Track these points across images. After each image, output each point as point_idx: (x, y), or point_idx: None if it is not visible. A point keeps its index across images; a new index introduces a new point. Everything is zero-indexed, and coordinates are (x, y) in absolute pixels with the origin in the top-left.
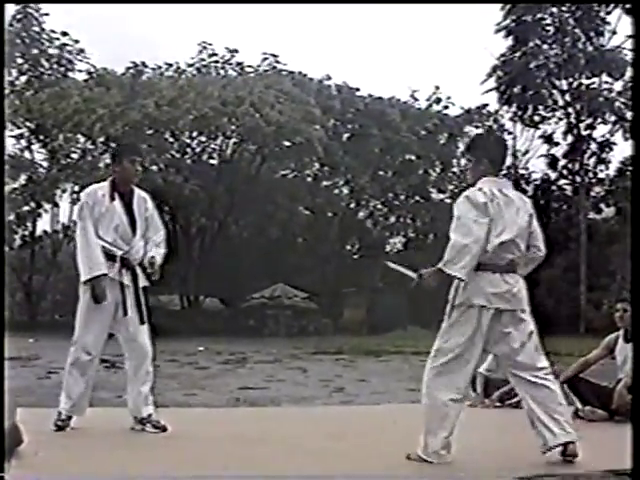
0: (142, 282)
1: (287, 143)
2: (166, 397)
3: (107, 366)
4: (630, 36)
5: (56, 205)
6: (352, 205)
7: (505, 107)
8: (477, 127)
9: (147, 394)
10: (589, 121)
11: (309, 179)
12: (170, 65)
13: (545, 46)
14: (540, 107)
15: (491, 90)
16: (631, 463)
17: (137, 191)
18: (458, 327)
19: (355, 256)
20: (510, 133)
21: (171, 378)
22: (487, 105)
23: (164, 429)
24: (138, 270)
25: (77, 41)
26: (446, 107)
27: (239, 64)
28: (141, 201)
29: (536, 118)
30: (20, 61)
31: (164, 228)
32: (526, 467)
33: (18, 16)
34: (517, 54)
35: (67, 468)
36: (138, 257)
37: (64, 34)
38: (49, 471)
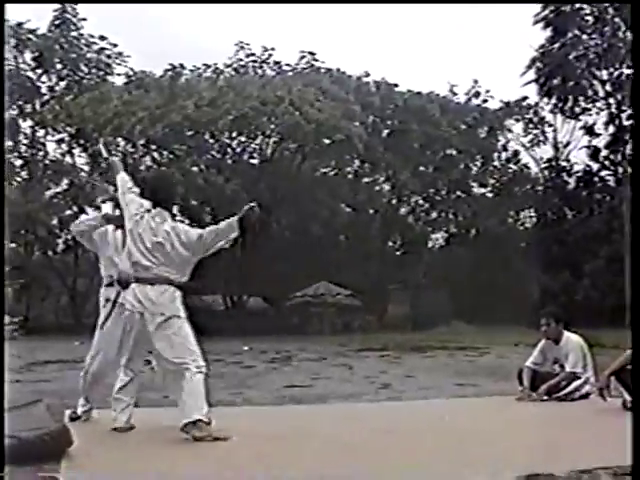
0: None
1: (327, 141)
2: (213, 396)
3: (152, 367)
4: (630, 34)
5: (98, 209)
6: (393, 201)
7: (545, 99)
8: (517, 120)
9: None
10: (630, 111)
11: (350, 176)
12: (208, 66)
13: (585, 36)
14: (580, 98)
15: (531, 82)
16: (631, 459)
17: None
18: None
19: (397, 252)
20: (551, 125)
21: (217, 377)
22: (527, 98)
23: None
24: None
25: (115, 45)
26: (485, 101)
27: (277, 63)
28: None
29: (577, 109)
30: (59, 66)
31: None
32: (570, 461)
33: (56, 22)
34: (556, 45)
35: (118, 468)
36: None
37: (102, 38)
38: (100, 471)
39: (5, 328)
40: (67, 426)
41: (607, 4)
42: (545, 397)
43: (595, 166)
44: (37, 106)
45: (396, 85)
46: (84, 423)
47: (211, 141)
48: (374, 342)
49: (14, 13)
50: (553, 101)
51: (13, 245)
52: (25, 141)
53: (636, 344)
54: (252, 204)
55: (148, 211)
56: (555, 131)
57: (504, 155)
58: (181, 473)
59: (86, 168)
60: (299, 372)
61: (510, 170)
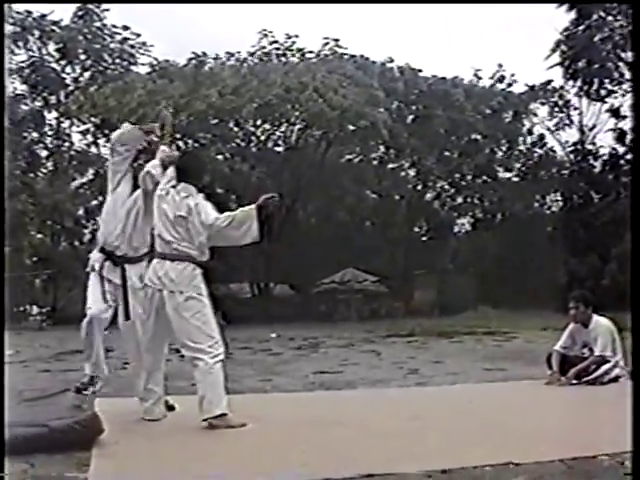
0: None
1: (352, 127)
2: (242, 384)
3: (181, 355)
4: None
5: None
6: (419, 187)
7: (570, 82)
8: (542, 104)
9: None
10: None
11: (375, 162)
12: (232, 54)
13: (610, 18)
14: (606, 80)
15: (555, 65)
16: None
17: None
18: None
19: (423, 238)
20: (576, 108)
21: (245, 365)
22: (552, 81)
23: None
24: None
25: (138, 35)
26: (510, 85)
27: (300, 50)
28: None
29: (602, 92)
30: (83, 57)
31: None
32: (597, 445)
33: (79, 13)
34: (581, 27)
35: (148, 456)
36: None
37: (125, 28)
38: (130, 459)
39: (34, 319)
40: (97, 414)
41: None
42: (574, 381)
43: (621, 149)
44: (62, 97)
45: (420, 70)
46: (115, 412)
47: (235, 129)
48: (401, 328)
49: (38, 5)
50: (578, 84)
51: (40, 236)
52: (50, 132)
53: (636, 343)
54: (271, 194)
55: (174, 187)
56: (581, 114)
57: (529, 139)
58: (211, 460)
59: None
60: (327, 359)
61: (536, 154)
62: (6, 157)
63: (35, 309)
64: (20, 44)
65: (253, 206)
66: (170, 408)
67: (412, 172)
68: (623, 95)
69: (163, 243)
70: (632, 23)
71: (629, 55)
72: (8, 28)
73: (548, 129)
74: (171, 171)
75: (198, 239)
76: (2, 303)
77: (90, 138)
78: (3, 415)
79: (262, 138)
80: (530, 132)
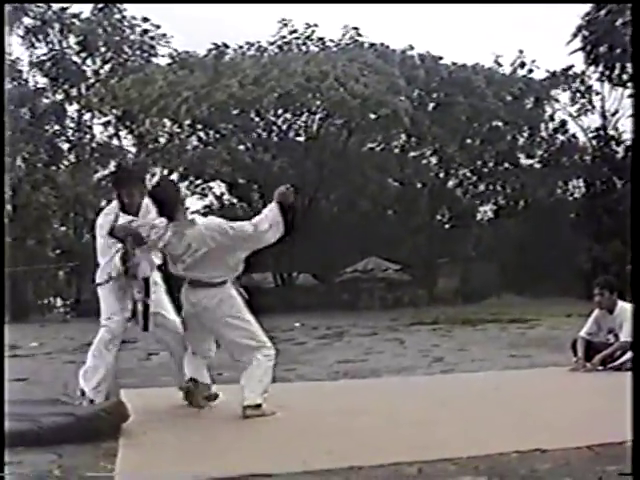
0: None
1: (373, 115)
2: None
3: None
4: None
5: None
6: (441, 175)
7: (592, 67)
8: (564, 90)
9: None
10: None
11: (397, 150)
12: (252, 44)
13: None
14: (628, 65)
15: (577, 51)
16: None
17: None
18: None
19: (446, 226)
20: (598, 94)
21: None
22: (573, 66)
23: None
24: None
25: (158, 26)
26: (531, 71)
27: (320, 39)
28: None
29: (624, 77)
30: (103, 49)
31: None
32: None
33: (99, 5)
34: (602, 12)
35: (175, 445)
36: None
37: (145, 20)
38: (158, 449)
39: (57, 311)
40: (123, 401)
41: None
42: (600, 367)
43: None
44: (83, 90)
45: (441, 58)
46: (142, 402)
47: (257, 119)
48: (425, 316)
49: None
50: (600, 69)
51: (63, 228)
52: (72, 125)
53: (636, 341)
54: (285, 186)
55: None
56: (603, 99)
57: (551, 125)
58: (238, 449)
59: (133, 150)
60: (351, 347)
61: (558, 140)
62: (26, 150)
63: (59, 301)
64: (40, 37)
65: (274, 203)
66: (213, 397)
67: (434, 160)
68: None
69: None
70: (632, 23)
71: None
72: (29, 22)
73: (570, 115)
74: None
75: (233, 260)
76: (2, 302)
77: (112, 130)
78: (3, 416)
79: (283, 128)
80: (552, 118)
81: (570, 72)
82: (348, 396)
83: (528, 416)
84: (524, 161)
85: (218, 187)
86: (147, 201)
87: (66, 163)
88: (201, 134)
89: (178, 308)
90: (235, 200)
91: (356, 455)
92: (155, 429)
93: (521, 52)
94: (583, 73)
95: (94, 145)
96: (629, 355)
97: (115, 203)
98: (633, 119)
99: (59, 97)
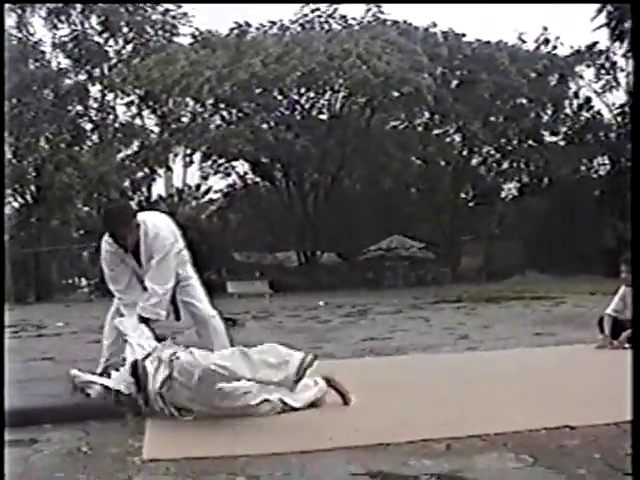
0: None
1: (396, 93)
2: None
3: (230, 324)
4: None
5: (169, 169)
6: (464, 152)
7: (617, 43)
8: (588, 66)
9: None
10: None
11: (420, 128)
12: (274, 23)
13: None
14: None
15: (601, 27)
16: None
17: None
18: None
19: (470, 204)
20: (623, 70)
21: (295, 332)
22: (598, 43)
23: None
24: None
25: (180, 5)
26: (555, 48)
27: (343, 17)
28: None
29: None
30: (125, 30)
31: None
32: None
33: None
34: None
35: (203, 424)
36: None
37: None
38: (186, 427)
39: (82, 291)
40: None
41: None
42: (627, 345)
43: None
44: (105, 70)
45: (464, 35)
46: None
47: (279, 98)
48: (449, 294)
49: None
50: (625, 45)
51: (86, 209)
52: (95, 105)
53: (636, 338)
54: None
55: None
56: (628, 76)
57: (575, 102)
58: (265, 427)
59: (156, 130)
60: (376, 325)
61: (582, 117)
62: (49, 130)
63: (83, 281)
64: (63, 18)
65: None
66: None
67: (457, 137)
68: None
69: None
70: (632, 23)
71: None
72: (51, 3)
73: (594, 92)
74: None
75: None
76: (2, 300)
77: (134, 110)
78: (3, 416)
79: (306, 106)
80: (576, 95)
81: (595, 48)
82: (374, 373)
83: (556, 393)
84: (548, 138)
85: (241, 166)
86: (148, 239)
87: (89, 143)
88: (224, 113)
89: None
90: (258, 179)
91: (383, 432)
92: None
93: (545, 29)
94: (608, 49)
95: (117, 125)
96: None
97: (108, 236)
98: (632, 119)
99: (82, 78)
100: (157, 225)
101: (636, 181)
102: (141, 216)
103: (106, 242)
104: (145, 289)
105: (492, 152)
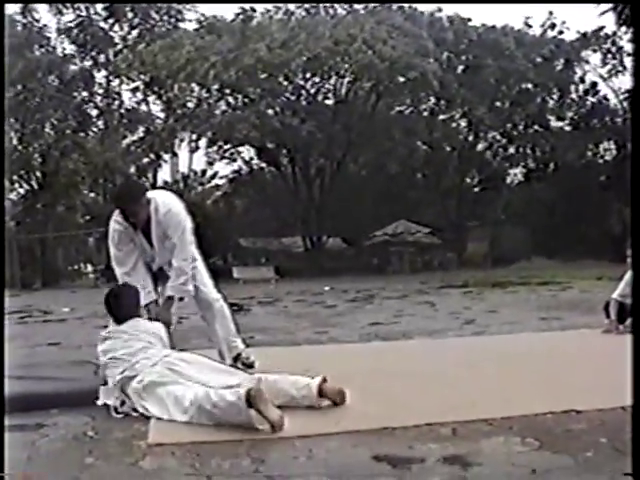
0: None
1: (401, 78)
2: (298, 335)
3: (235, 309)
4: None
5: (175, 155)
6: (470, 138)
7: (623, 28)
8: (595, 51)
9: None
10: None
11: (425, 114)
12: (279, 8)
13: None
14: None
15: (607, 11)
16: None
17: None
18: None
19: (475, 189)
20: (630, 54)
21: (301, 317)
22: (604, 27)
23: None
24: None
25: None
26: (561, 32)
27: (348, 2)
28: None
29: None
30: (130, 15)
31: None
32: None
33: None
34: None
35: None
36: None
37: None
38: None
39: (88, 277)
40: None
41: None
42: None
43: None
44: (110, 56)
45: (469, 20)
46: None
47: (285, 83)
48: (454, 279)
49: None
50: (632, 29)
51: (92, 195)
52: (100, 91)
53: (636, 337)
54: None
55: None
56: (634, 60)
57: (582, 87)
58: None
59: (161, 115)
60: (382, 310)
61: (588, 102)
62: (54, 117)
63: (89, 267)
64: (68, 5)
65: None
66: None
67: (463, 123)
68: None
69: None
70: (632, 23)
71: None
72: None
73: (601, 76)
74: None
75: None
76: (2, 297)
77: (140, 96)
78: (3, 414)
79: (312, 91)
80: (582, 80)
81: (601, 33)
82: (380, 358)
83: (562, 377)
84: (554, 123)
85: (247, 152)
86: (159, 215)
87: (95, 129)
88: (229, 99)
89: None
90: (264, 164)
91: (390, 416)
92: None
93: (551, 13)
94: (614, 34)
95: (122, 111)
96: None
97: (118, 212)
98: (632, 118)
99: (87, 64)
100: (167, 202)
101: (636, 169)
102: (150, 194)
103: (115, 221)
104: (150, 271)
105: (498, 137)
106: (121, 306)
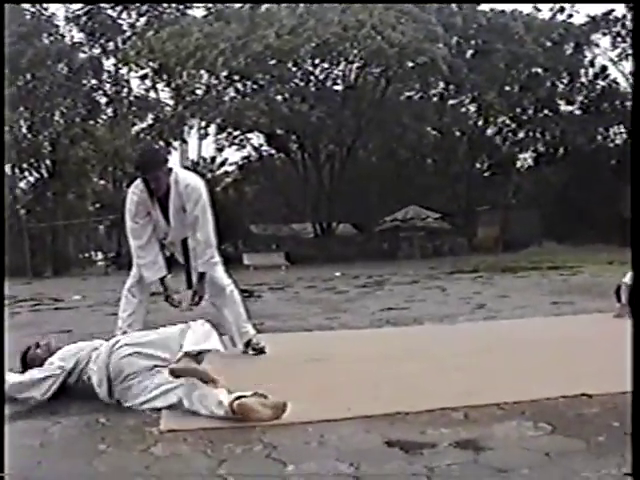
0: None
1: (411, 64)
2: (309, 321)
3: (246, 296)
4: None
5: (184, 142)
6: (480, 123)
7: (633, 11)
8: (604, 34)
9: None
10: None
11: (435, 99)
12: None
13: None
14: None
15: None
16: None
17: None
18: None
19: (485, 174)
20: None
21: (312, 303)
22: (614, 10)
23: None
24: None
25: None
26: (571, 16)
27: None
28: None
29: None
30: (138, 3)
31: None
32: None
33: None
34: None
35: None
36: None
37: None
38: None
39: (98, 264)
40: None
41: None
42: None
43: None
44: (119, 44)
45: (478, 3)
46: None
47: (294, 69)
48: (465, 264)
49: None
50: (632, 28)
51: (102, 182)
52: (109, 79)
53: (636, 336)
54: None
55: None
56: None
57: (591, 71)
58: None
59: (170, 102)
60: (393, 296)
61: (598, 86)
62: (64, 105)
63: (100, 255)
64: None
65: None
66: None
67: (473, 107)
68: None
69: None
70: (632, 23)
71: None
72: None
73: (610, 60)
74: None
75: None
76: (2, 295)
77: (149, 83)
78: (3, 413)
79: (321, 78)
80: (592, 64)
81: (610, 16)
82: (392, 343)
83: (573, 362)
84: (564, 108)
85: (256, 138)
86: (179, 187)
87: (104, 117)
88: (238, 85)
89: None
90: (273, 151)
91: (402, 401)
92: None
93: None
94: (624, 17)
95: (131, 99)
96: None
97: (139, 182)
98: (632, 117)
99: (96, 51)
100: (188, 176)
101: (636, 206)
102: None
103: (133, 192)
104: (162, 248)
105: (507, 122)
106: None
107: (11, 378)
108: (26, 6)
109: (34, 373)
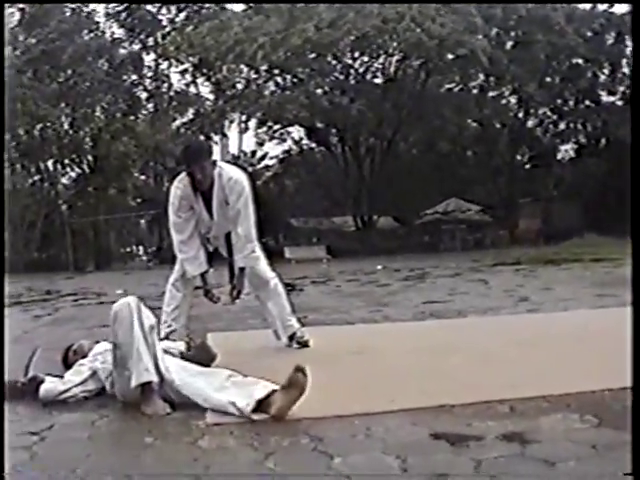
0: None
1: (450, 56)
2: (352, 315)
3: (289, 289)
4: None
5: (225, 136)
6: (520, 114)
7: None
8: None
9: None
10: None
11: (475, 91)
12: None
13: None
14: None
15: None
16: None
17: (217, 182)
18: None
19: (526, 166)
20: None
21: (354, 296)
22: None
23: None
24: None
25: None
26: (611, 5)
27: None
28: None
29: None
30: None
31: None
32: None
33: None
34: None
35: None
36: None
37: None
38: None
39: (140, 259)
40: (207, 343)
41: None
42: None
43: None
44: (159, 39)
45: None
46: (227, 342)
47: (334, 63)
48: (507, 257)
49: None
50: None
51: (143, 177)
52: (149, 74)
53: (636, 335)
54: None
55: None
56: None
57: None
58: (325, 389)
59: (210, 97)
60: (435, 288)
61: None
62: (104, 100)
63: (141, 249)
64: None
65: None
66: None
67: (513, 99)
68: None
69: None
70: (632, 23)
71: None
72: None
73: None
74: None
75: None
76: (2, 294)
77: (189, 78)
78: (3, 413)
79: (360, 70)
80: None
81: None
82: (436, 336)
83: (618, 354)
84: (605, 98)
85: (297, 132)
86: (223, 180)
87: (145, 112)
88: (278, 79)
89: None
90: (314, 144)
91: (447, 393)
92: (240, 370)
93: None
94: None
95: (172, 94)
96: None
97: (184, 176)
98: (632, 116)
99: (136, 47)
100: (232, 169)
101: (636, 205)
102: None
103: (177, 186)
104: (204, 245)
105: (548, 113)
106: None
107: (47, 384)
108: (66, 2)
109: (66, 375)
